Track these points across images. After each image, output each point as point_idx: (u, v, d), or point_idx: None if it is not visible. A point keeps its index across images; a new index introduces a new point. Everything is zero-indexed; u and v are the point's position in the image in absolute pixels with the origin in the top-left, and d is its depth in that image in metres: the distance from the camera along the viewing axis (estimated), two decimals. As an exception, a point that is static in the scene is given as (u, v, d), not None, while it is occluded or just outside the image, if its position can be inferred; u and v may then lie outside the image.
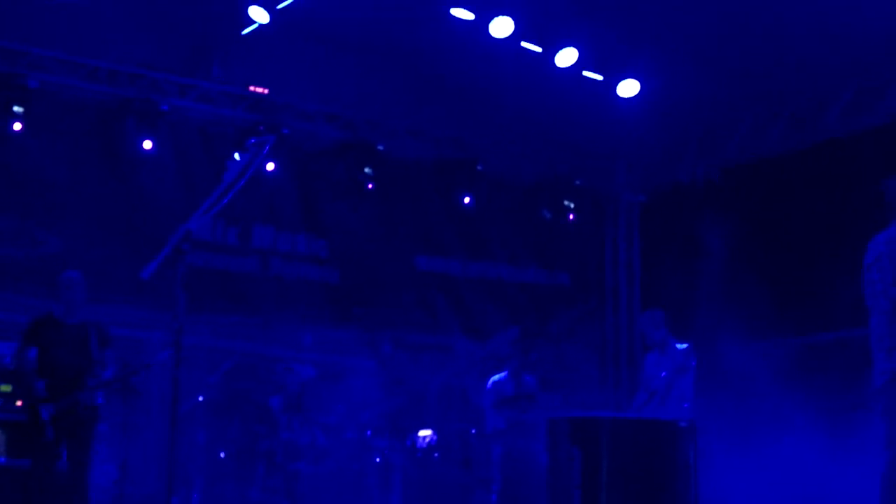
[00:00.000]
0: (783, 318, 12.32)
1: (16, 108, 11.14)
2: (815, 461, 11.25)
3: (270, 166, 12.40)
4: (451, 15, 11.12)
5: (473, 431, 11.77)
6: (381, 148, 13.19)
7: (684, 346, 9.91)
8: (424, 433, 11.66)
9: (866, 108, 12.02)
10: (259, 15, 11.11)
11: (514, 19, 11.19)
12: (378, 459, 10.84)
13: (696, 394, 9.64)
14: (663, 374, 9.61)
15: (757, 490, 11.26)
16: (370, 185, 13.18)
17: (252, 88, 12.40)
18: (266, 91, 12.44)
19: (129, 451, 9.99)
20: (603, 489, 4.97)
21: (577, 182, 14.80)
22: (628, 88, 12.29)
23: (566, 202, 14.73)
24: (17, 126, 11.19)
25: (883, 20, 10.54)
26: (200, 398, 10.33)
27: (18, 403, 8.98)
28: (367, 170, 13.11)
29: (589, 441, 4.99)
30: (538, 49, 11.73)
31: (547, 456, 5.32)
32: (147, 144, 11.79)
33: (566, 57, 11.75)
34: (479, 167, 13.88)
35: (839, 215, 11.22)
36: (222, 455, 10.43)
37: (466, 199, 13.90)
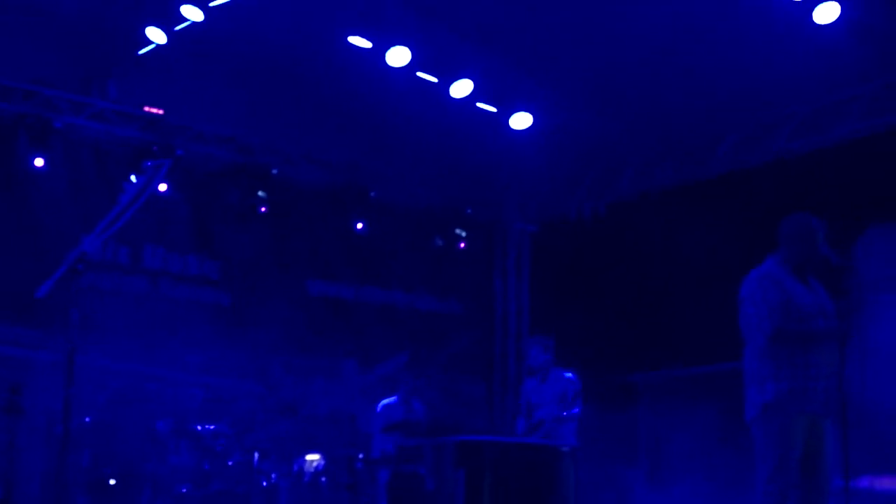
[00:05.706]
0: (664, 350, 12.63)
1: None
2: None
3: (163, 187, 12.33)
4: (348, 42, 11.23)
5: (361, 456, 11.83)
6: (275, 172, 13.24)
7: (570, 375, 10.10)
8: (312, 458, 11.69)
9: (751, 148, 12.38)
10: (156, 35, 11.06)
11: (410, 49, 11.33)
12: (265, 483, 10.83)
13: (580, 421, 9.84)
14: (549, 403, 9.78)
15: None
16: (263, 209, 13.22)
17: (147, 109, 12.34)
18: (161, 112, 12.40)
19: (13, 472, 9.87)
20: (486, 511, 5.11)
21: (469, 211, 15.03)
22: (521, 121, 12.51)
23: (458, 230, 14.95)
24: None
25: (770, 63, 10.89)
26: (87, 419, 10.23)
27: None
28: (260, 193, 13.15)
29: (473, 464, 5.11)
30: (434, 79, 11.89)
31: (432, 479, 5.43)
32: (39, 162, 11.70)
33: (461, 88, 11.93)
34: (372, 194, 14.02)
35: (720, 251, 11.51)
36: (108, 477, 10.32)
37: (359, 225, 14.02)
